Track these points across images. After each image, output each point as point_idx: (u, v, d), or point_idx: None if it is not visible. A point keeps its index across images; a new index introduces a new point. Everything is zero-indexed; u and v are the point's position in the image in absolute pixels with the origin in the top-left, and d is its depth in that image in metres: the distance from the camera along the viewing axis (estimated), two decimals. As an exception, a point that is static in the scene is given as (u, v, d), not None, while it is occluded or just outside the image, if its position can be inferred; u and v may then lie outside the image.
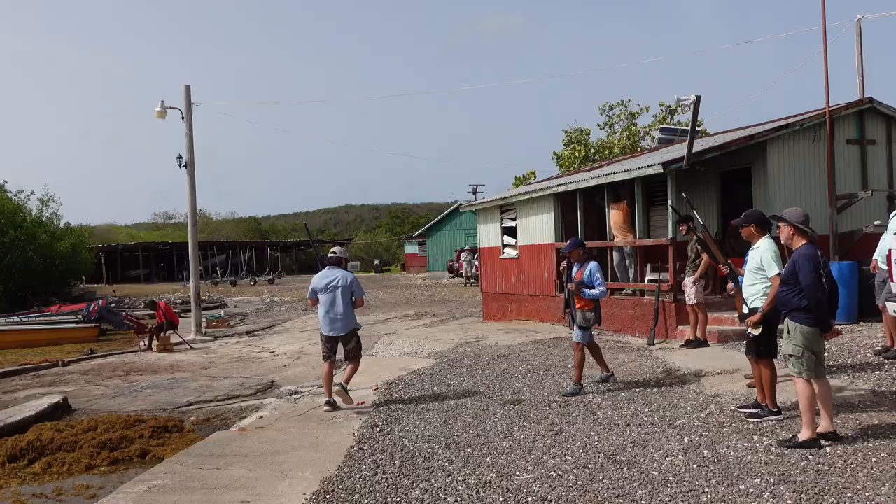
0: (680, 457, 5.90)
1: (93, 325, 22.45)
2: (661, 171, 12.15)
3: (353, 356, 8.83)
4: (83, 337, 21.52)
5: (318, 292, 8.73)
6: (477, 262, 36.53)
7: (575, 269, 8.70)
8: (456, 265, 46.37)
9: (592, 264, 8.61)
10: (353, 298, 8.71)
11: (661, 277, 12.62)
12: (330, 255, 8.99)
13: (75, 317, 23.56)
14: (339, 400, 8.46)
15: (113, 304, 26.12)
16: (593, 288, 8.51)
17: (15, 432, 8.69)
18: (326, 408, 8.44)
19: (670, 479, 5.38)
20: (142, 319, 22.84)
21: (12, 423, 9.05)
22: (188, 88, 20.48)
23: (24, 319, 23.83)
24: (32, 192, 41.05)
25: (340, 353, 8.82)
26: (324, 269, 8.86)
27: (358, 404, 8.61)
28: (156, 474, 6.32)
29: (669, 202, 12.25)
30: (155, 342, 17.38)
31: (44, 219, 39.93)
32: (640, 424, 7.04)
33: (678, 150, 14.45)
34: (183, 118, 20.33)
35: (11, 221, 35.20)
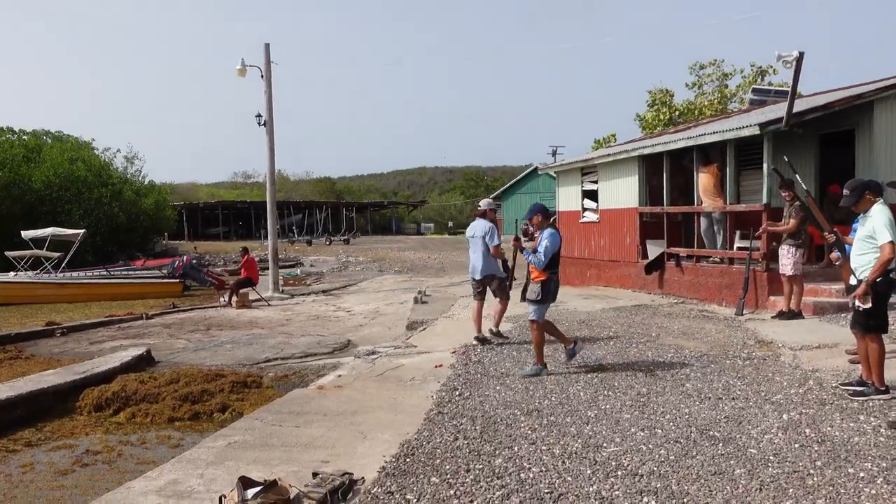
0: (780, 434, 5.53)
1: (177, 280, 23.15)
2: (758, 132, 11.48)
3: (499, 296, 9.93)
4: (168, 292, 22.22)
5: (467, 240, 10.05)
6: (552, 227, 36.04)
7: (537, 235, 8.28)
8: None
9: (548, 230, 8.08)
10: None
11: (752, 245, 12.01)
12: (478, 206, 10.43)
13: (160, 272, 24.32)
14: (488, 336, 9.86)
15: (195, 261, 26.81)
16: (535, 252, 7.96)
17: (101, 382, 8.92)
18: (474, 342, 9.70)
19: (771, 458, 5.03)
20: (221, 276, 23.39)
21: (99, 372, 9.30)
22: (268, 47, 20.56)
23: (112, 273, 24.72)
24: (118, 150, 42.41)
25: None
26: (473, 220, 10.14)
27: (435, 367, 8.49)
28: (237, 430, 6.31)
29: (766, 165, 11.60)
30: (234, 298, 17.70)
31: (129, 176, 41.19)
32: (733, 398, 6.66)
33: (773, 112, 13.66)
34: (262, 76, 20.46)
35: (99, 178, 36.45)
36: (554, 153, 59.87)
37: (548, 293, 7.98)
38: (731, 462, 4.99)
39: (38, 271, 22.76)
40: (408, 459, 5.26)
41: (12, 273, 22.99)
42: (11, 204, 31.47)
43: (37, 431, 7.51)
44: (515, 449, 5.39)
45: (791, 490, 4.48)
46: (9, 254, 23.62)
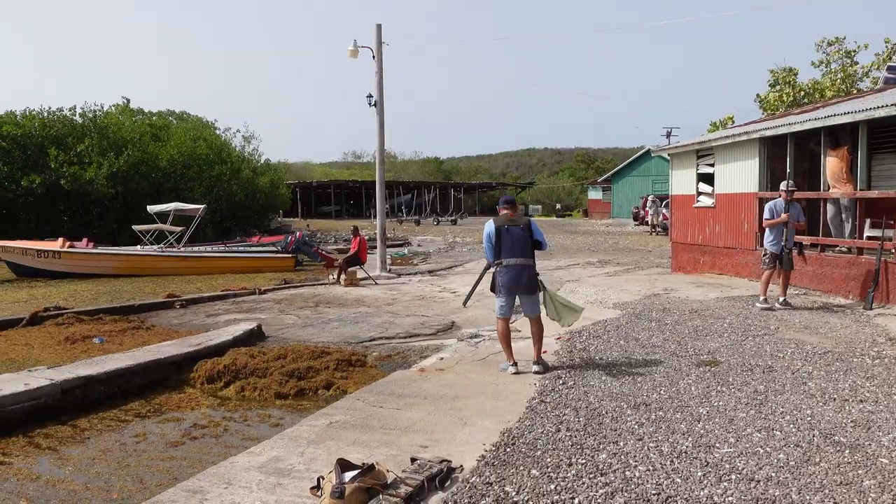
0: (915, 444, 5.06)
1: (290, 255, 23.91)
2: (895, 112, 10.62)
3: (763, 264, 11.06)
4: (282, 266, 23.04)
5: None
6: (664, 210, 34.87)
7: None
8: (641, 212, 44.59)
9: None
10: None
11: (884, 234, 11.16)
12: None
13: (274, 247, 25.19)
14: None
15: (306, 237, 27.55)
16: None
17: (214, 354, 9.24)
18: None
19: (905, 470, 4.61)
20: (331, 255, 23.94)
21: (212, 345, 9.64)
22: (379, 27, 20.65)
23: (230, 248, 25.84)
24: (238, 130, 44.02)
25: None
26: None
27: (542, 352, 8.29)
28: (338, 409, 6.35)
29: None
30: (343, 276, 18.01)
31: (246, 155, 42.68)
32: (861, 401, 6.17)
33: (913, 91, 12.63)
34: (374, 57, 20.59)
35: (219, 157, 37.94)
36: (668, 135, 58.02)
37: (494, 284, 8.07)
38: (860, 472, 4.60)
39: (163, 244, 23.95)
40: (508, 449, 5.12)
41: (139, 246, 24.33)
42: (139, 181, 33.24)
43: (146, 403, 7.83)
44: (621, 444, 5.16)
45: (929, 508, 4.08)
46: (135, 227, 25.00)
